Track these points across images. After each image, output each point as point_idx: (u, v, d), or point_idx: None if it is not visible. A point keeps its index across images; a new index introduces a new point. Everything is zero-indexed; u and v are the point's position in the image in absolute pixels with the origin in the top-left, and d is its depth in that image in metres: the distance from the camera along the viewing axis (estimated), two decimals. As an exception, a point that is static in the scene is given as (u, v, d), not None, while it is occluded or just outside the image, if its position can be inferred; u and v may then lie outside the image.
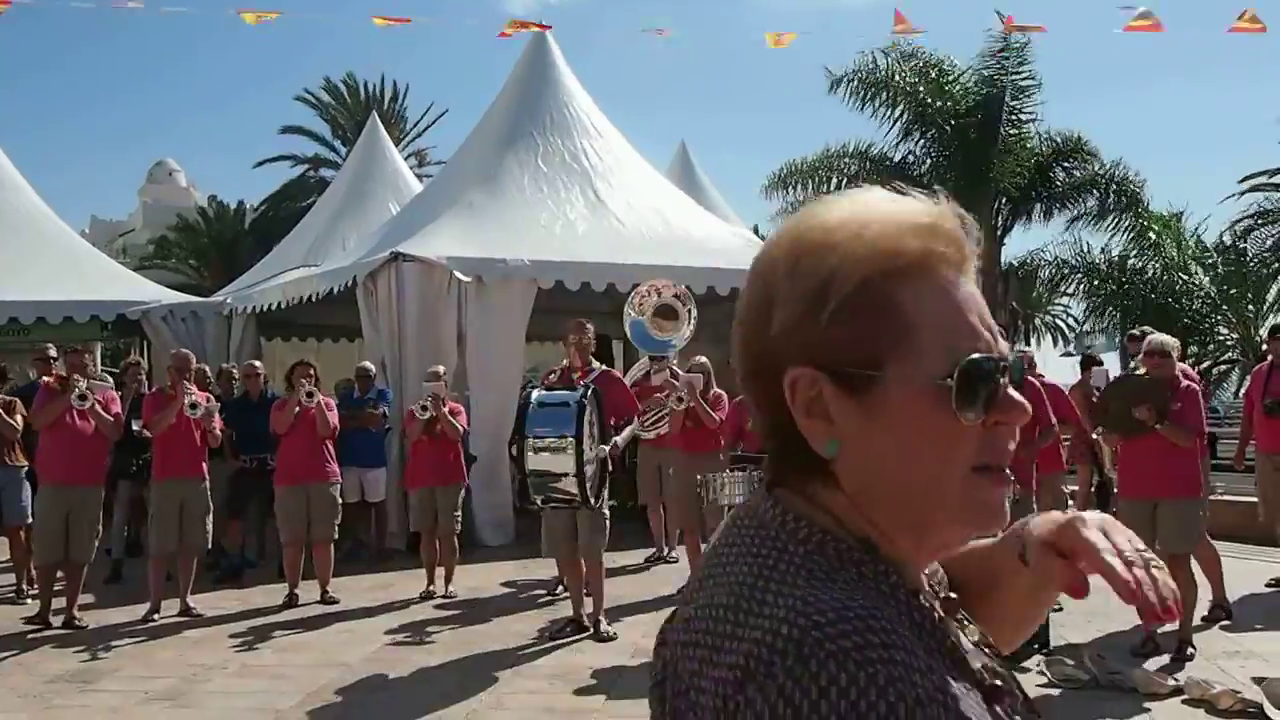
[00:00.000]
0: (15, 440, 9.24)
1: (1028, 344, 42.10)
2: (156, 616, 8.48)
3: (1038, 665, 6.46)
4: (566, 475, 7.05)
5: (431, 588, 9.28)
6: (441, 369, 9.89)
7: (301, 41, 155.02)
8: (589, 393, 7.24)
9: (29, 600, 8.89)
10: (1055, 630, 7.20)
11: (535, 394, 7.43)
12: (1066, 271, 21.95)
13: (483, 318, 11.70)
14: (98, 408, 8.40)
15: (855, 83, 21.36)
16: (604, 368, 8.31)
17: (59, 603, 8.40)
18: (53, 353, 9.88)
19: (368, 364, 11.52)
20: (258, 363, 11.26)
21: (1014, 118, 21.22)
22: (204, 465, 8.83)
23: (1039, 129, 21.77)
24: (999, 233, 22.12)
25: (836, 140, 23.04)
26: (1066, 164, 21.99)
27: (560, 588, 8.83)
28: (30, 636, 8.01)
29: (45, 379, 8.88)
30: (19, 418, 9.17)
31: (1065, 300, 29.72)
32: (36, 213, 17.17)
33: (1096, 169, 21.64)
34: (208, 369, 10.77)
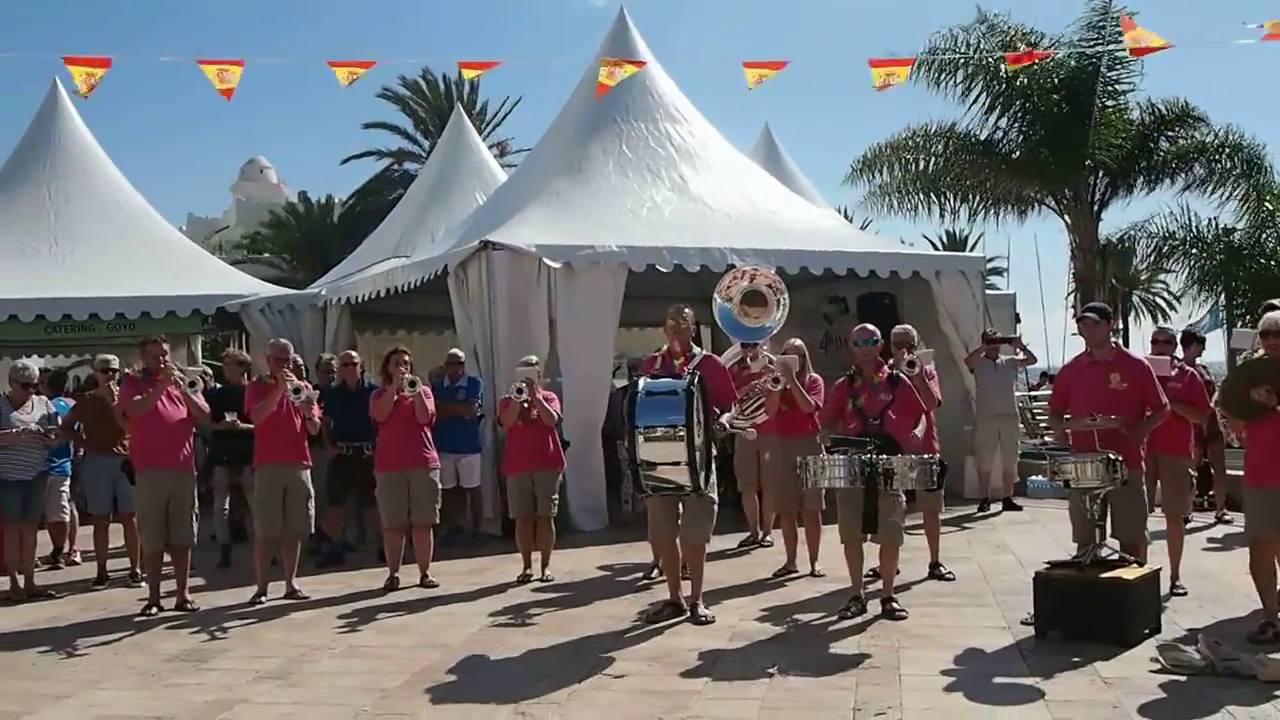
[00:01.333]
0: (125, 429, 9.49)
1: (1124, 321, 41.21)
2: (264, 599, 8.65)
3: (1151, 652, 6.31)
4: (678, 464, 7.03)
5: (529, 571, 9.34)
6: (534, 357, 9.93)
7: (381, 38, 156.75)
8: (695, 380, 7.21)
9: (143, 584, 9.12)
10: (1168, 616, 7.04)
11: (642, 383, 7.40)
12: (1169, 246, 21.29)
13: (572, 304, 11.73)
14: (191, 394, 8.60)
15: (931, 63, 20.93)
16: (705, 353, 8.26)
17: (169, 585, 8.61)
18: (114, 364, 10.23)
19: (458, 350, 11.62)
20: (354, 353, 11.41)
21: (1110, 89, 20.65)
22: (306, 451, 8.98)
23: (1138, 99, 21.16)
24: (1095, 207, 21.61)
25: (918, 121, 22.60)
26: (1170, 132, 21.29)
27: (656, 571, 8.83)
28: (143, 619, 8.22)
29: (129, 371, 9.11)
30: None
31: (1164, 277, 28.92)
32: (141, 213, 17.66)
33: (1204, 136, 20.90)
34: (301, 360, 10.95)
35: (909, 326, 9.55)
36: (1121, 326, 39.27)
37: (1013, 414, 12.99)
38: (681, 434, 6.96)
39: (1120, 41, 20.11)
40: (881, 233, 21.60)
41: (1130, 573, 6.78)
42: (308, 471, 8.97)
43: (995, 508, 12.59)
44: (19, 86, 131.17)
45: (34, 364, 10.84)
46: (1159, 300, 47.72)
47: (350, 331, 15.42)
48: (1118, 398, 7.13)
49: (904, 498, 7.48)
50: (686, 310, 7.96)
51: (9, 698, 6.25)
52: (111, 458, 9.84)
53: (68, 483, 10.71)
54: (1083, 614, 6.72)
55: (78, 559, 11.05)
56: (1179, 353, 9.87)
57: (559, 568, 9.50)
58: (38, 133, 17.65)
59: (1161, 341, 9.59)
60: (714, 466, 7.49)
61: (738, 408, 8.42)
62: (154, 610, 8.36)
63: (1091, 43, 20.37)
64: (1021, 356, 13.16)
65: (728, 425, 7.80)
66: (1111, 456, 6.82)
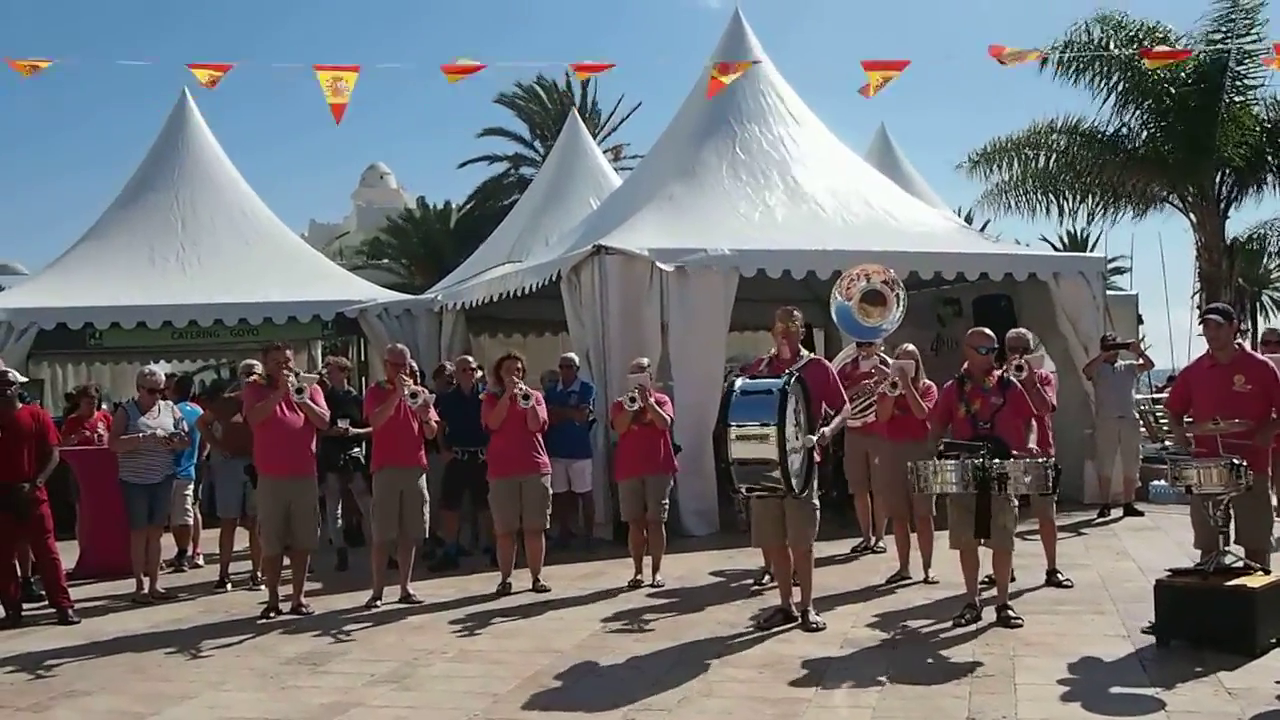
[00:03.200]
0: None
1: (1253, 322, 39.81)
2: (379, 603, 8.82)
3: (1278, 663, 6.11)
4: (770, 463, 6.99)
5: (640, 576, 9.38)
6: (646, 360, 9.97)
7: (498, 43, 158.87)
8: (792, 380, 7.16)
9: (263, 587, 9.35)
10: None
11: (739, 382, 7.40)
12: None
13: (685, 308, 11.76)
14: (308, 400, 8.73)
15: (1067, 57, 20.42)
16: (814, 355, 8.20)
17: (287, 590, 8.84)
18: (258, 368, 10.40)
19: (571, 355, 11.72)
20: (470, 358, 11.56)
21: (1239, 84, 19.97)
22: (423, 456, 9.13)
23: (1265, 94, 20.45)
24: (1223, 205, 20.91)
25: (1043, 115, 22.10)
26: (1299, 129, 20.57)
27: (767, 577, 8.80)
28: (263, 622, 8.45)
29: (254, 377, 9.26)
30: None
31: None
32: (265, 221, 18.13)
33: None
34: (417, 365, 11.11)
35: (1024, 330, 9.37)
36: (1249, 327, 37.90)
37: (1133, 418, 12.76)
38: (771, 433, 6.90)
39: (1249, 35, 19.46)
40: (1003, 233, 21.15)
41: (1256, 580, 6.56)
42: (424, 476, 9.13)
43: (1116, 513, 12.28)
44: (147, 96, 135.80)
45: (160, 369, 11.16)
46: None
47: (466, 336, 15.67)
48: (1242, 400, 6.92)
49: (1016, 503, 7.35)
50: (796, 312, 7.91)
51: (137, 699, 6.48)
52: (245, 461, 10.01)
53: (192, 486, 11.03)
54: (1206, 623, 6.53)
55: (201, 562, 11.34)
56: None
57: (670, 573, 9.52)
58: (166, 142, 18.17)
59: (1273, 342, 9.26)
60: (815, 470, 7.43)
61: (849, 407, 8.34)
62: (272, 614, 8.58)
63: (1221, 36, 19.71)
64: (1140, 361, 12.88)
65: (828, 434, 7.64)
66: (1235, 461, 6.62)
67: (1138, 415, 13.08)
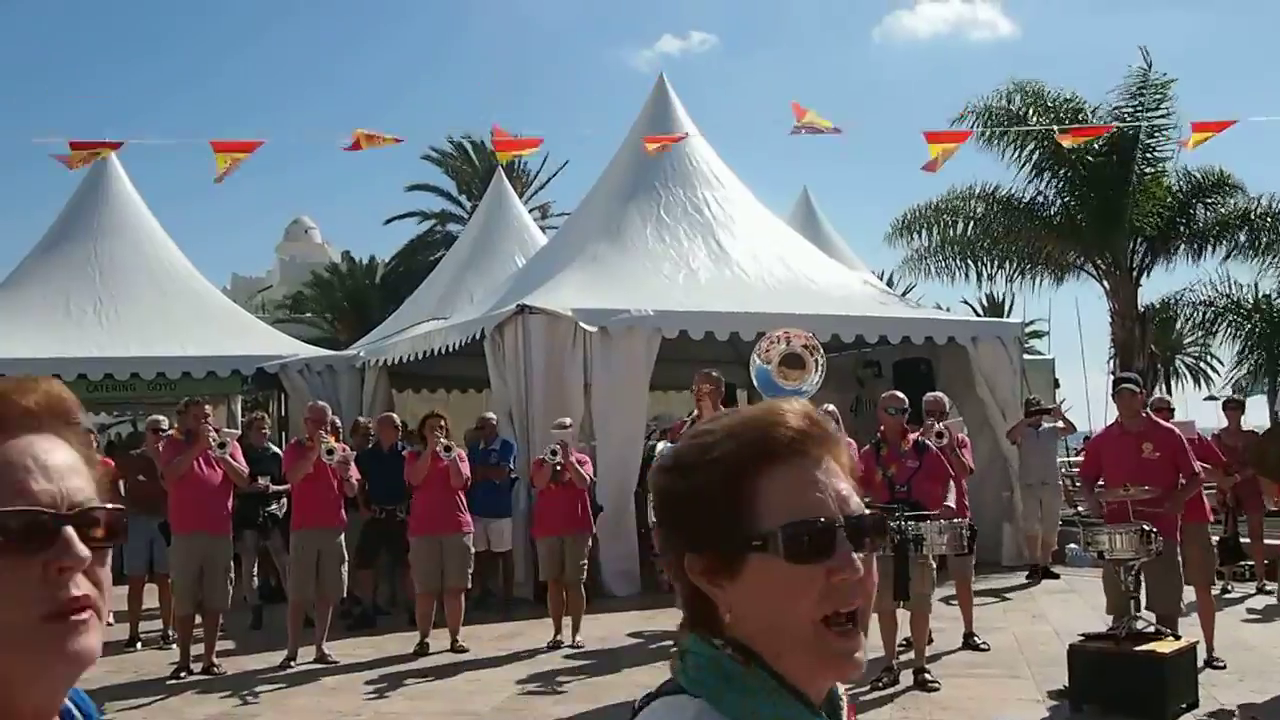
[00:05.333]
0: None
1: (1167, 388, 40.74)
2: (294, 663, 8.67)
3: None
4: None
5: (559, 637, 9.31)
6: (568, 420, 9.97)
7: (425, 103, 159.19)
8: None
9: (174, 646, 9.15)
10: (1205, 690, 6.92)
11: (660, 446, 7.44)
12: (1211, 313, 21.20)
13: (608, 368, 11.78)
14: (229, 457, 8.63)
15: (983, 120, 20.86)
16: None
17: (198, 649, 8.64)
18: (164, 424, 10.24)
19: (490, 414, 11.67)
20: (394, 414, 11.48)
21: (1150, 156, 20.62)
22: (342, 514, 9.04)
23: (1176, 166, 21.12)
24: (1135, 274, 21.48)
25: (962, 181, 22.61)
26: (1209, 200, 21.27)
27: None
28: (173, 682, 8.24)
29: (171, 432, 9.12)
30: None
31: (1205, 341, 28.66)
32: (183, 271, 17.88)
33: (1241, 203, 20.88)
34: (339, 422, 11.02)
35: (940, 394, 9.52)
36: (1163, 392, 38.81)
37: (1055, 483, 12.91)
38: None
39: (1159, 110, 20.13)
40: (925, 296, 21.53)
41: (1166, 646, 6.68)
42: (342, 535, 9.02)
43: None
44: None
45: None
46: (1201, 365, 47.07)
47: (388, 392, 15.54)
48: (1151, 467, 7.10)
49: (934, 566, 7.44)
50: (716, 374, 7.97)
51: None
52: (151, 518, 9.86)
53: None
54: (1119, 687, 6.63)
55: (110, 620, 11.06)
56: (1219, 419, 9.80)
57: (590, 633, 9.46)
58: (87, 192, 17.92)
59: (1163, 409, 9.55)
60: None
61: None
62: (184, 674, 8.39)
63: (1133, 110, 20.36)
64: (1062, 425, 13.00)
65: None
66: (1146, 527, 6.76)
67: (1059, 480, 13.27)
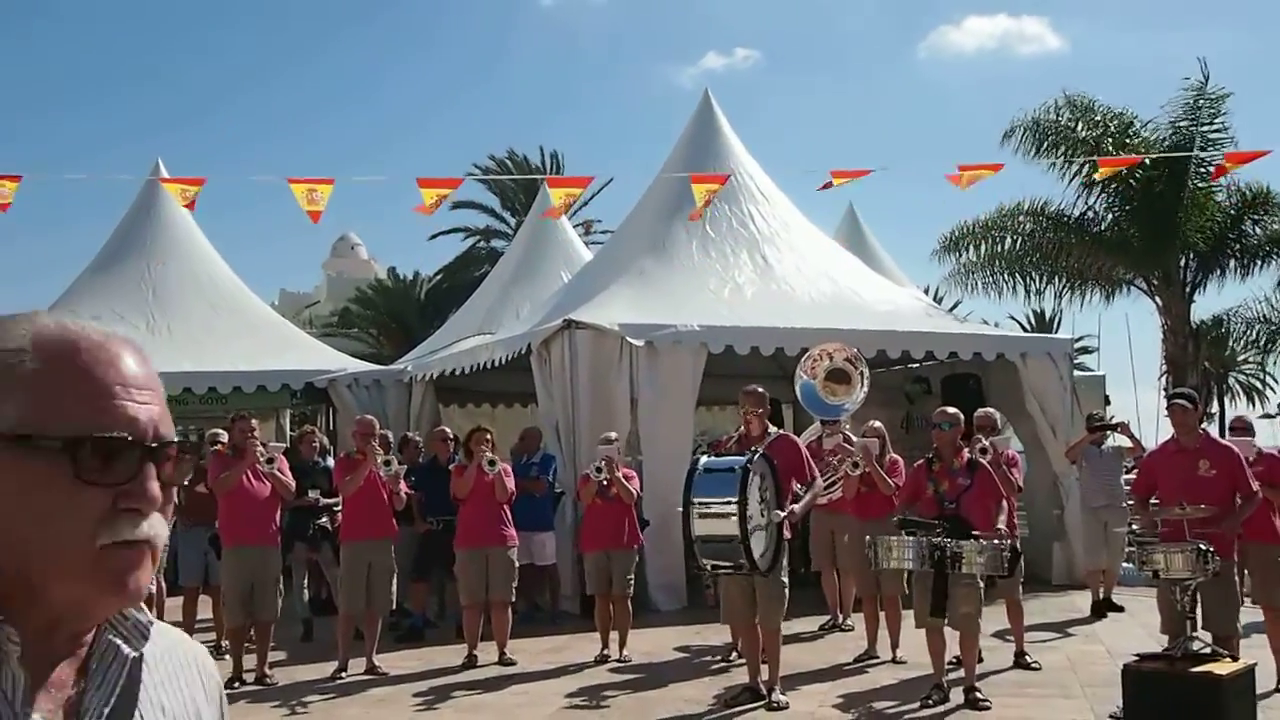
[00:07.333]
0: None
1: (1221, 405, 40.15)
2: (344, 674, 8.73)
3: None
4: (733, 540, 7.00)
5: (606, 651, 9.32)
6: (615, 434, 9.98)
7: (470, 120, 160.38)
8: (755, 458, 7.19)
9: (226, 657, 9.22)
10: (1265, 714, 6.80)
11: (702, 460, 7.45)
12: (1267, 331, 20.91)
13: (654, 383, 11.78)
14: (276, 471, 8.71)
15: (1032, 134, 20.70)
16: (781, 431, 8.23)
17: (251, 660, 8.71)
18: (223, 438, 10.30)
19: (534, 427, 11.73)
20: (447, 429, 11.54)
21: (1202, 170, 20.36)
22: (393, 526, 9.09)
23: (1227, 181, 20.85)
24: (1187, 289, 21.22)
25: (1010, 198, 22.45)
26: (1254, 216, 21.03)
27: (734, 654, 8.75)
28: (226, 692, 8.28)
29: (218, 447, 9.18)
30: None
31: (1260, 359, 28.29)
32: (233, 287, 18.09)
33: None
34: (390, 435, 11.10)
35: (992, 410, 9.45)
36: (1217, 410, 38.26)
37: (1120, 506, 10.99)
38: (733, 510, 6.93)
39: (1213, 124, 19.88)
40: (972, 313, 21.37)
41: (1223, 667, 6.56)
42: (392, 547, 9.08)
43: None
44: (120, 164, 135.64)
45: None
46: (1254, 382, 46.40)
47: (435, 407, 15.63)
48: (1206, 485, 6.99)
49: (981, 585, 7.35)
50: (763, 391, 7.97)
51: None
52: (208, 529, 9.85)
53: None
54: (1173, 709, 6.52)
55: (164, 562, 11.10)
56: (1275, 436, 9.60)
57: (636, 648, 9.46)
58: (139, 210, 18.18)
59: (1240, 429, 9.36)
60: (785, 547, 7.43)
61: (819, 482, 8.37)
62: (236, 684, 8.47)
63: (1188, 124, 20.13)
64: (1129, 444, 11.68)
65: (798, 511, 7.65)
66: (1202, 547, 6.65)
67: (1124, 504, 10.92)
